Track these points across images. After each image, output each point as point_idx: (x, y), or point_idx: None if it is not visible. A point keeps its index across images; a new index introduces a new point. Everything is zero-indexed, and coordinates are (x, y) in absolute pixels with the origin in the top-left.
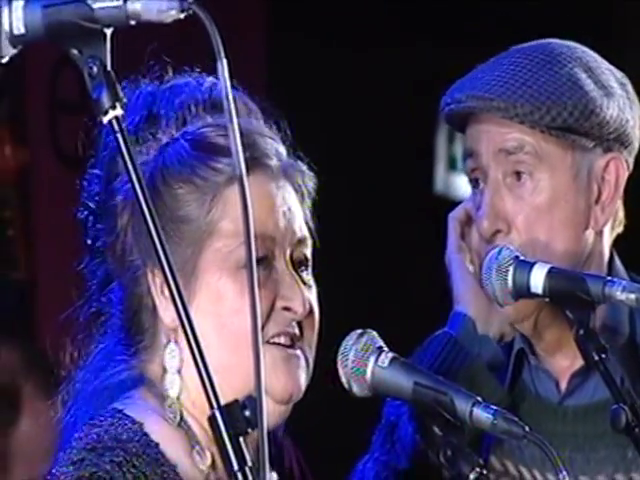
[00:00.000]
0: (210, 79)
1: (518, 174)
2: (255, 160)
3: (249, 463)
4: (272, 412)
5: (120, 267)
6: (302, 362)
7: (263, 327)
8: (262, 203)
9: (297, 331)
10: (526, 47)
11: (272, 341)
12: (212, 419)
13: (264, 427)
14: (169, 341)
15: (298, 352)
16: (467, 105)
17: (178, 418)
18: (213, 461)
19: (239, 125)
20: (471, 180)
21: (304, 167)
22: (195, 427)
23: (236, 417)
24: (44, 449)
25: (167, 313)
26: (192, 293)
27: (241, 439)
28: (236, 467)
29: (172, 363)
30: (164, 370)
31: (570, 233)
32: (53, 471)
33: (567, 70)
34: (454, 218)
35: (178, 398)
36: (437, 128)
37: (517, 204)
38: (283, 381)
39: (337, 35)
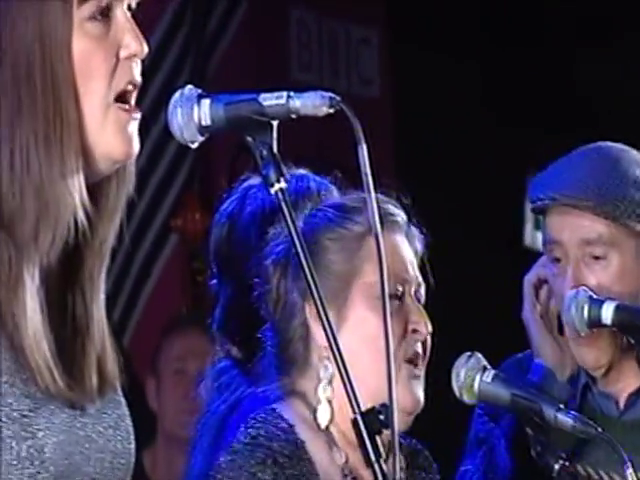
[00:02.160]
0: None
1: (594, 256)
2: (385, 218)
3: (383, 456)
4: (400, 420)
5: (275, 307)
6: (421, 380)
7: (401, 344)
8: (395, 251)
9: (421, 351)
10: (592, 151)
11: (406, 359)
12: (354, 421)
13: (395, 427)
14: (323, 358)
15: (420, 372)
16: (562, 202)
17: (328, 418)
18: (347, 460)
19: (381, 199)
20: (552, 259)
21: (417, 231)
22: (335, 430)
23: (373, 420)
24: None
25: (321, 336)
26: (344, 319)
27: (377, 437)
28: (373, 459)
29: (325, 376)
30: (318, 381)
31: (633, 297)
32: (220, 458)
33: (631, 172)
34: (528, 281)
35: (330, 402)
36: (525, 195)
37: (594, 277)
38: (409, 397)
39: (445, 113)
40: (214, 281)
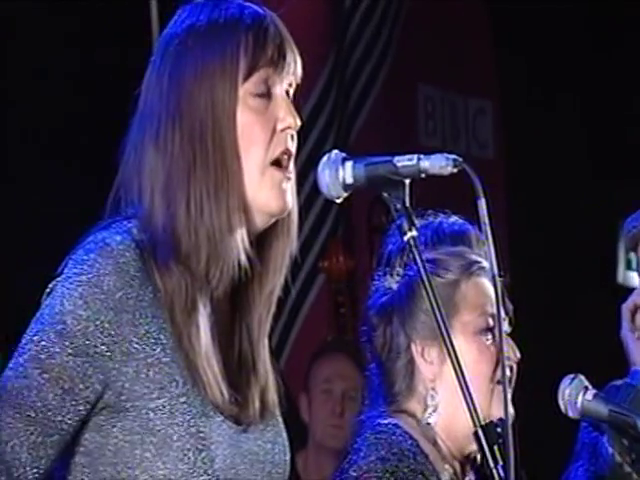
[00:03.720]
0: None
1: None
2: (473, 265)
3: (500, 463)
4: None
5: (382, 351)
6: (509, 396)
7: (495, 370)
8: (485, 293)
9: (510, 373)
10: None
11: (496, 381)
12: (476, 434)
13: (509, 440)
14: (429, 389)
15: (510, 391)
16: None
17: (434, 439)
18: (454, 471)
19: (464, 251)
20: None
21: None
22: (443, 446)
23: (491, 433)
24: None
25: (428, 370)
26: (445, 352)
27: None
28: (492, 465)
29: (432, 403)
30: (425, 408)
31: None
32: (360, 462)
33: None
34: (626, 307)
35: (431, 425)
36: (618, 241)
37: None
38: (500, 409)
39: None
40: None
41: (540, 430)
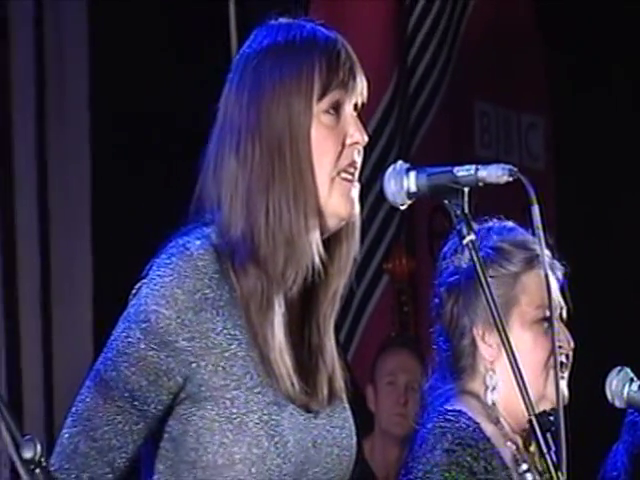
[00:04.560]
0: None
1: None
2: (536, 257)
3: (552, 448)
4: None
5: (448, 327)
6: (565, 381)
7: (549, 357)
8: (544, 284)
9: (565, 360)
10: None
11: (551, 365)
12: (530, 421)
13: (562, 426)
14: (488, 369)
15: (564, 374)
16: None
17: (496, 418)
18: (517, 447)
19: (528, 241)
20: None
21: (558, 264)
22: (505, 424)
23: (545, 420)
24: None
25: (487, 352)
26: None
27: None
28: (545, 450)
29: (491, 383)
30: (486, 388)
31: None
32: (428, 455)
33: None
34: None
35: (494, 404)
36: None
37: None
38: (553, 392)
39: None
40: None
41: (590, 419)
